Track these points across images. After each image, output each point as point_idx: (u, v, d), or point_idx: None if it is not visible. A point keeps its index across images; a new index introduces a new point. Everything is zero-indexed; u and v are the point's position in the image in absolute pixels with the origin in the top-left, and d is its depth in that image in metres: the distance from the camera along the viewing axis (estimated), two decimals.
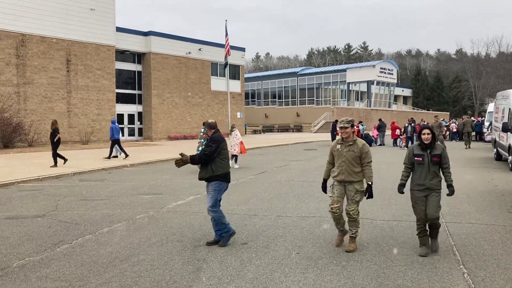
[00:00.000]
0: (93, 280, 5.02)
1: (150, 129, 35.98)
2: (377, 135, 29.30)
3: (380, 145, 28.73)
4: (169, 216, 8.19)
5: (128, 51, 35.20)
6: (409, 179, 6.07)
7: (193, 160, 6.27)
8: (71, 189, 11.76)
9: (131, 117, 36.21)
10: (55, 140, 15.87)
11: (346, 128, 5.94)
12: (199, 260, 5.67)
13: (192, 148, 25.56)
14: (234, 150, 16.06)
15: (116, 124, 19.29)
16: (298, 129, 53.71)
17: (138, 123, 36.63)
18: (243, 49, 44.18)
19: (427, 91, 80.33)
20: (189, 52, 38.35)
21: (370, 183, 5.90)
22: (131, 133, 36.20)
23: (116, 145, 18.90)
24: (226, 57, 34.71)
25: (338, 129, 6.06)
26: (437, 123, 24.03)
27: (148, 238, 6.75)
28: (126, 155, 18.70)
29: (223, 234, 6.32)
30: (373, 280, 4.92)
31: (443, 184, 5.90)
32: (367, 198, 5.97)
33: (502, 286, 4.72)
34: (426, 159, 5.77)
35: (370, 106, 60.29)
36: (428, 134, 5.77)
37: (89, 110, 31.30)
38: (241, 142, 16.24)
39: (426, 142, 5.77)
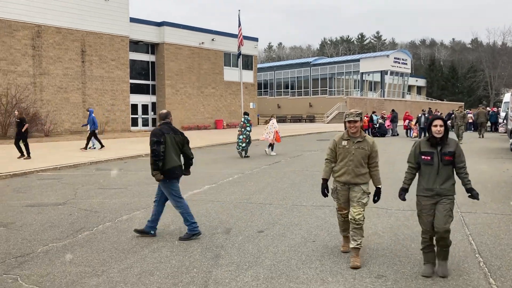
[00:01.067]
0: (115, 266, 5.17)
1: None
2: (388, 125, 29.15)
3: (393, 135, 28.62)
4: None
5: (142, 41, 35.35)
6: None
7: (155, 167, 6.14)
8: (88, 178, 11.98)
9: (145, 107, 36.47)
10: (23, 130, 15.58)
11: (356, 122, 5.18)
12: (217, 247, 5.79)
13: (204, 138, 25.71)
14: (269, 137, 16.47)
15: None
16: (311, 119, 53.58)
17: (152, 113, 36.86)
18: (256, 39, 44.07)
19: (442, 81, 79.49)
20: (202, 43, 38.38)
21: (380, 186, 5.31)
22: (145, 123, 36.47)
23: (93, 135, 18.91)
24: (239, 47, 34.70)
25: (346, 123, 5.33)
26: (462, 113, 23.81)
27: (166, 225, 6.90)
28: (86, 148, 18.80)
29: (188, 229, 6.24)
30: (389, 268, 4.99)
31: (458, 188, 4.93)
32: (375, 202, 5.36)
33: None
34: (435, 158, 4.78)
35: (383, 97, 59.84)
36: (440, 126, 4.77)
37: (104, 101, 31.60)
38: (276, 132, 16.57)
39: (437, 135, 4.77)
